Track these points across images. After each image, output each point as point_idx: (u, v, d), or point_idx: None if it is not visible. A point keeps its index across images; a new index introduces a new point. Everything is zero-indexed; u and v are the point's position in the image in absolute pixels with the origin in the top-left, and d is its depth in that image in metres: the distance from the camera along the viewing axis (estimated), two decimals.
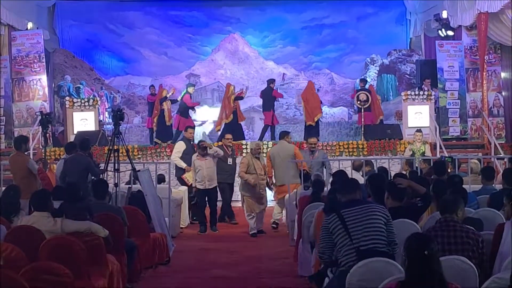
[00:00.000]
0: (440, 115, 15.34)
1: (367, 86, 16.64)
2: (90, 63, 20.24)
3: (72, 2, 19.35)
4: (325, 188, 8.30)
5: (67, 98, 15.95)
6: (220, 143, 12.49)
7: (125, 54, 20.94)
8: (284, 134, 11.53)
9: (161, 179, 10.90)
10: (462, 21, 15.16)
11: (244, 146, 13.99)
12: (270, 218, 11.09)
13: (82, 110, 15.30)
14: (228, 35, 21.35)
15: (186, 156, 11.25)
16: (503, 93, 15.66)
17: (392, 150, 14.16)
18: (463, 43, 15.57)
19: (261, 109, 18.94)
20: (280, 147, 11.11)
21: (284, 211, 10.90)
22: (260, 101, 18.52)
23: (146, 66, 20.96)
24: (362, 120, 15.38)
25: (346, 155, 14.10)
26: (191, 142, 11.76)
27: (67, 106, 15.44)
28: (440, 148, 13.63)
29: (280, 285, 7.19)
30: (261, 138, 15.24)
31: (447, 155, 11.84)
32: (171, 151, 12.80)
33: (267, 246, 9.56)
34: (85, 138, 10.30)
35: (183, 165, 11.30)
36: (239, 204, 11.49)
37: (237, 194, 11.71)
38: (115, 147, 8.81)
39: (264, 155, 11.86)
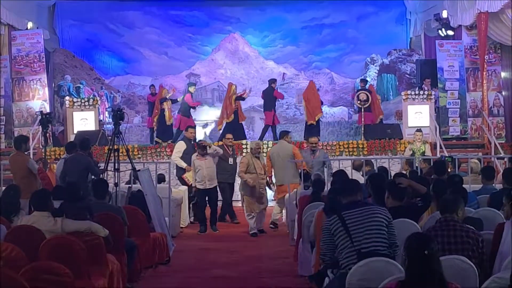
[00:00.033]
0: (440, 114, 15.34)
1: (367, 86, 16.64)
2: (90, 63, 20.23)
3: (72, 2, 19.34)
4: (325, 188, 8.29)
5: (67, 97, 15.96)
6: (220, 142, 12.50)
7: (125, 54, 20.93)
8: (284, 134, 11.53)
9: (161, 178, 10.89)
10: (462, 21, 15.16)
11: (244, 146, 13.98)
12: (271, 218, 11.10)
13: (82, 110, 15.31)
14: (228, 34, 21.35)
15: (186, 156, 11.25)
16: (503, 93, 15.66)
17: (392, 149, 14.15)
18: (463, 43, 15.57)
19: (261, 109, 18.95)
20: (279, 147, 11.12)
21: (284, 211, 10.90)
22: (260, 101, 18.52)
23: (146, 65, 20.96)
24: (362, 120, 15.37)
25: (346, 155, 14.10)
26: (192, 142, 11.75)
27: (67, 105, 15.45)
28: (440, 147, 13.64)
29: (280, 285, 7.19)
30: (261, 138, 15.22)
31: (447, 155, 11.84)
32: (171, 151, 12.80)
33: (267, 246, 9.56)
34: (85, 138, 10.30)
35: (183, 165, 11.30)
36: (239, 204, 11.49)
37: (237, 194, 11.72)
38: (115, 147, 8.80)
39: (264, 154, 11.86)
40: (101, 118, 17.14)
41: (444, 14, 16.13)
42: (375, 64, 20.35)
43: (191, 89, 15.83)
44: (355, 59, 20.86)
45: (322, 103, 15.52)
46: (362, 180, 8.82)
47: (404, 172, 9.69)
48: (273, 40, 21.26)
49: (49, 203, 6.01)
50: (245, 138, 14.75)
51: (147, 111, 17.58)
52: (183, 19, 21.09)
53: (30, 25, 16.03)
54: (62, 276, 4.79)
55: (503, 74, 15.66)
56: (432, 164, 9.18)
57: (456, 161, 9.79)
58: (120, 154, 8.89)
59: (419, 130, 12.97)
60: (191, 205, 11.63)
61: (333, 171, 8.95)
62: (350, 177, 8.33)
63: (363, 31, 20.70)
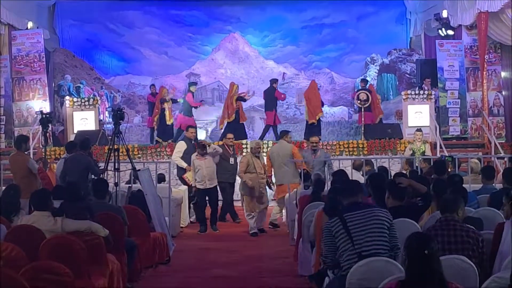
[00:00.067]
0: (440, 114, 15.34)
1: (367, 86, 16.64)
2: (90, 63, 20.23)
3: (72, 2, 19.34)
4: (325, 188, 8.29)
5: (67, 97, 15.96)
6: (221, 142, 12.51)
7: (125, 54, 20.93)
8: (284, 134, 11.54)
9: (161, 178, 10.89)
10: (462, 21, 15.16)
11: (244, 146, 13.98)
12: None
13: (82, 110, 15.32)
14: (228, 34, 21.34)
15: (187, 156, 11.22)
16: (503, 93, 15.66)
17: (392, 149, 14.15)
18: (463, 43, 15.57)
19: (262, 109, 18.94)
20: (279, 147, 11.12)
21: (284, 211, 10.90)
22: (260, 101, 18.54)
23: (146, 65, 20.95)
24: (362, 119, 15.36)
25: (346, 155, 14.10)
26: (192, 142, 11.74)
27: (67, 105, 15.46)
28: (440, 147, 13.63)
29: (280, 285, 7.19)
30: (261, 138, 15.24)
31: (447, 155, 11.85)
32: (171, 151, 12.80)
33: (267, 246, 9.56)
34: (85, 138, 10.30)
35: (184, 165, 11.29)
36: (239, 204, 11.48)
37: (237, 194, 11.71)
38: (115, 147, 8.80)
39: (264, 154, 11.86)
40: (101, 118, 17.15)
41: (444, 14, 16.13)
42: (375, 64, 20.35)
43: (192, 88, 15.82)
44: (355, 59, 20.86)
45: (323, 103, 15.53)
46: (362, 179, 8.82)
47: (404, 171, 9.69)
48: (273, 39, 21.26)
49: (49, 202, 6.01)
50: (246, 138, 14.75)
51: (147, 111, 17.58)
52: (183, 19, 21.08)
53: (30, 25, 16.03)
54: (62, 276, 4.79)
55: (503, 74, 15.66)
56: (432, 163, 9.18)
57: (456, 161, 9.79)
58: (120, 153, 8.89)
59: (419, 129, 12.97)
60: (191, 205, 11.62)
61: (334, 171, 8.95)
62: (350, 177, 8.36)
63: (363, 30, 20.69)
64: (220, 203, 11.33)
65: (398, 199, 5.72)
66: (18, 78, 15.60)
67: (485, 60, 14.97)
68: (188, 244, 9.68)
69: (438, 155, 12.47)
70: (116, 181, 8.62)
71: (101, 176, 8.82)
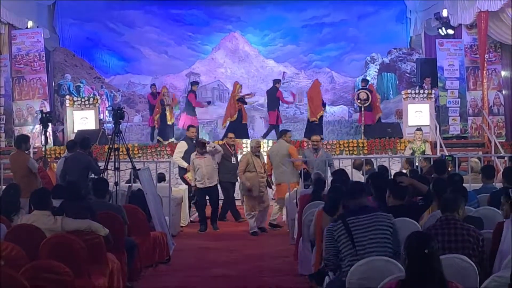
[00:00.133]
0: (440, 113, 15.35)
1: (368, 86, 16.64)
2: (90, 62, 20.22)
3: (72, 1, 19.29)
4: (326, 187, 8.28)
5: (67, 96, 15.97)
6: (221, 142, 12.50)
7: (125, 53, 20.93)
8: (283, 133, 11.54)
9: (161, 178, 10.89)
10: (462, 20, 15.16)
11: (244, 145, 13.97)
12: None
13: (82, 109, 15.33)
14: (228, 33, 21.34)
15: (187, 156, 11.21)
16: (503, 92, 15.66)
17: (392, 148, 14.16)
18: (463, 42, 15.57)
19: (262, 108, 18.98)
20: (278, 146, 11.12)
21: (284, 210, 10.89)
22: (260, 100, 18.55)
23: (146, 64, 20.95)
24: (363, 119, 15.37)
25: (347, 154, 14.11)
26: (193, 141, 11.73)
27: (67, 104, 15.46)
28: (441, 146, 13.64)
29: (280, 284, 7.19)
30: (265, 136, 15.32)
31: (447, 154, 11.84)
32: (172, 150, 12.79)
33: (267, 245, 9.56)
34: (85, 137, 10.30)
35: (184, 164, 11.27)
36: (239, 203, 11.47)
37: (237, 193, 11.71)
38: (115, 146, 8.80)
39: (264, 153, 11.86)
40: (101, 117, 17.15)
41: (444, 13, 16.13)
42: (375, 63, 20.35)
43: (194, 87, 15.80)
44: (355, 58, 20.85)
45: (324, 103, 15.54)
46: (362, 179, 8.83)
47: (404, 171, 9.69)
48: (273, 39, 21.26)
49: (49, 202, 6.01)
50: (248, 138, 14.75)
51: (147, 110, 17.58)
52: (183, 18, 21.08)
53: (30, 24, 16.03)
54: (62, 275, 4.79)
55: (503, 73, 15.65)
56: (432, 163, 9.18)
57: (456, 160, 9.78)
58: (120, 153, 8.89)
59: (419, 129, 12.97)
60: (193, 205, 11.62)
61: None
62: (351, 176, 8.36)
63: (364, 30, 20.68)
64: (220, 202, 11.32)
65: (399, 198, 5.72)
66: (18, 77, 15.60)
67: (485, 59, 14.97)
68: (188, 243, 9.67)
69: (438, 154, 12.46)
70: (116, 180, 8.62)
71: (101, 175, 8.82)
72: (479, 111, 15.43)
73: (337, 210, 5.88)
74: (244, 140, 14.22)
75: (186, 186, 11.38)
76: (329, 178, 9.25)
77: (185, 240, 9.99)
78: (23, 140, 9.75)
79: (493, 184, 7.75)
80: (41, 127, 11.71)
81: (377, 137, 14.52)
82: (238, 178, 11.22)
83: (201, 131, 17.14)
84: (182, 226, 10.97)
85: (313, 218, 6.48)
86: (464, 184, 6.86)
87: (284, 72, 20.90)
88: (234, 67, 21.26)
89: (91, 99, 15.53)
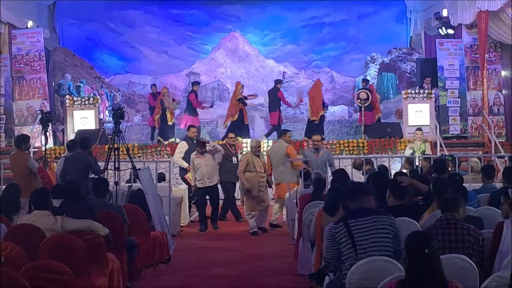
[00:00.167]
0: (440, 113, 15.34)
1: (368, 86, 16.64)
2: (90, 62, 20.22)
3: (72, 1, 19.27)
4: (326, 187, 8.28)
5: (67, 96, 15.96)
6: (221, 142, 12.50)
7: (125, 53, 20.92)
8: (282, 133, 11.54)
9: (161, 177, 10.89)
10: (463, 20, 15.16)
11: (244, 145, 13.97)
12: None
13: (82, 109, 15.32)
14: (228, 33, 21.33)
15: (188, 156, 11.20)
16: (503, 92, 15.66)
17: (393, 148, 14.16)
18: (463, 42, 15.57)
19: (262, 108, 18.98)
20: (277, 146, 11.11)
21: (284, 210, 10.89)
22: (260, 100, 18.54)
23: (146, 64, 20.94)
24: (363, 118, 15.37)
25: (347, 154, 14.10)
26: (194, 142, 11.72)
27: (67, 104, 15.45)
28: (441, 146, 13.64)
29: (280, 284, 7.19)
30: (267, 136, 15.34)
31: (447, 154, 11.84)
32: (172, 150, 12.78)
33: (267, 245, 9.56)
34: (85, 137, 10.30)
35: (185, 165, 11.26)
36: (240, 203, 11.47)
37: (237, 193, 11.70)
38: (116, 146, 8.81)
39: (265, 153, 11.86)
40: (101, 117, 17.14)
41: (444, 12, 16.12)
42: (375, 63, 20.34)
43: (195, 88, 15.78)
44: (355, 58, 20.84)
45: (326, 104, 15.56)
46: (362, 179, 8.83)
47: (405, 171, 9.69)
48: (273, 38, 21.24)
49: (49, 201, 6.01)
50: (249, 137, 14.74)
51: (147, 110, 17.58)
52: (183, 18, 21.07)
53: (30, 24, 16.03)
54: (62, 275, 4.79)
55: (503, 73, 15.65)
56: (432, 162, 9.18)
57: (457, 160, 9.78)
58: (120, 153, 8.89)
59: (419, 129, 12.97)
60: (193, 204, 11.61)
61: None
62: (351, 176, 8.36)
63: (364, 29, 20.67)
64: (220, 202, 11.32)
65: (399, 198, 5.72)
66: (18, 77, 15.60)
67: (485, 59, 14.97)
68: (188, 243, 9.68)
69: (438, 154, 12.46)
70: (116, 180, 8.62)
71: (101, 175, 8.82)
72: (479, 111, 15.43)
73: (337, 210, 5.88)
74: (244, 140, 14.22)
75: (186, 186, 11.38)
76: (330, 178, 9.26)
77: (185, 240, 9.99)
78: (23, 140, 9.75)
79: (493, 184, 7.76)
80: (41, 127, 11.71)
81: (377, 137, 14.52)
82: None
83: (201, 131, 17.14)
84: (182, 226, 10.97)
85: (313, 218, 6.48)
86: (464, 184, 6.86)
87: (284, 72, 20.89)
88: (234, 67, 21.25)
89: (91, 99, 15.52)
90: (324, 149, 12.30)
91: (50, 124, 12.50)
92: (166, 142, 14.74)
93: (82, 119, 15.21)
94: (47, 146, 12.12)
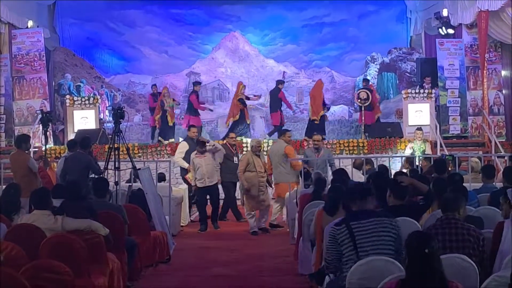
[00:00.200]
0: (440, 113, 15.34)
1: (368, 86, 16.64)
2: (90, 62, 20.22)
3: (72, 1, 19.30)
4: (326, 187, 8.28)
5: (68, 96, 15.97)
6: (221, 141, 12.50)
7: (125, 53, 20.92)
8: (282, 133, 11.54)
9: (161, 177, 10.89)
10: (463, 19, 15.16)
11: (244, 145, 13.97)
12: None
13: (82, 109, 15.33)
14: (228, 33, 21.33)
15: (188, 156, 11.19)
16: (503, 91, 15.66)
17: (393, 148, 14.16)
18: (463, 41, 15.56)
19: (262, 108, 18.97)
20: (277, 146, 11.10)
21: (284, 210, 10.89)
22: (260, 99, 18.53)
23: (146, 64, 20.94)
24: (363, 118, 15.37)
25: (347, 154, 14.10)
26: (195, 141, 11.71)
27: (67, 104, 15.46)
28: (441, 146, 13.63)
29: (280, 284, 7.20)
30: (270, 135, 15.36)
31: (447, 153, 11.84)
32: (172, 149, 12.77)
33: (267, 244, 9.56)
34: (85, 136, 10.30)
35: (185, 165, 11.26)
36: (240, 203, 11.47)
37: (238, 193, 11.70)
38: (116, 145, 8.81)
39: (265, 153, 11.86)
40: (102, 117, 17.15)
41: (445, 12, 16.11)
42: (375, 63, 20.34)
43: (196, 88, 15.77)
44: (355, 58, 20.84)
45: (327, 106, 15.58)
46: (362, 178, 8.83)
47: (405, 170, 9.69)
48: (274, 38, 21.25)
49: (49, 201, 6.02)
50: (250, 137, 14.74)
51: (148, 110, 17.57)
52: (184, 18, 21.07)
53: (30, 23, 16.03)
54: (62, 275, 4.79)
55: (503, 73, 15.65)
56: (432, 162, 9.18)
57: (457, 160, 9.78)
58: (120, 152, 8.90)
59: (419, 128, 12.98)
60: (193, 204, 11.61)
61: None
62: (351, 176, 8.36)
63: (364, 29, 20.67)
64: (221, 202, 11.31)
65: (399, 198, 5.71)
66: (19, 77, 15.60)
67: (486, 59, 14.97)
68: (189, 243, 9.67)
69: (439, 154, 12.46)
70: (117, 180, 8.62)
71: (101, 175, 8.82)
72: (479, 111, 15.43)
73: (337, 210, 5.88)
74: (244, 140, 14.22)
75: (186, 186, 11.37)
76: (330, 178, 9.25)
77: (185, 239, 9.99)
78: (23, 140, 9.75)
79: (494, 183, 7.76)
80: (41, 126, 11.71)
81: (377, 136, 14.52)
82: None
83: (202, 131, 17.15)
84: (182, 226, 10.97)
85: (313, 218, 6.48)
86: (464, 184, 6.86)
87: (284, 72, 20.89)
88: (234, 66, 21.25)
89: (91, 99, 15.53)
90: (328, 150, 12.30)
91: (50, 124, 12.50)
92: (166, 142, 14.74)
93: (82, 119, 15.21)
94: (47, 146, 12.11)
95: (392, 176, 7.58)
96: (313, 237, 6.41)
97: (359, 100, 15.61)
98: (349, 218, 4.75)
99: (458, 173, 7.76)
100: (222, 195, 11.38)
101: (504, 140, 15.05)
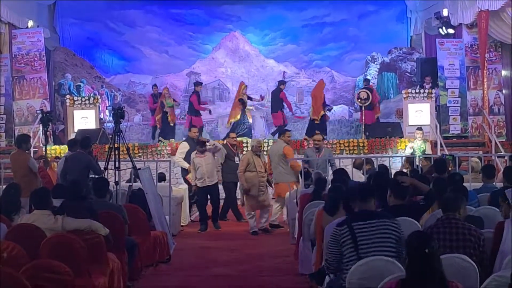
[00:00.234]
0: (440, 113, 15.34)
1: (368, 86, 16.64)
2: (90, 61, 20.22)
3: (72, 1, 19.30)
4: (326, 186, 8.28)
5: (68, 96, 15.97)
6: (221, 141, 12.49)
7: (125, 53, 20.92)
8: (282, 133, 11.54)
9: (161, 177, 10.89)
10: (463, 19, 15.16)
11: (244, 144, 13.97)
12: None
13: (82, 108, 15.34)
14: (228, 33, 21.33)
15: (189, 156, 11.18)
16: (503, 91, 15.66)
17: (393, 148, 14.16)
18: (463, 41, 15.56)
19: (262, 108, 18.97)
20: (277, 146, 11.11)
21: (284, 209, 10.89)
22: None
23: (146, 64, 20.94)
24: (363, 118, 15.37)
25: (347, 153, 14.10)
26: (195, 142, 11.69)
27: (67, 104, 15.47)
28: (441, 146, 13.63)
29: (280, 283, 7.20)
30: (273, 134, 15.38)
31: (447, 153, 11.84)
32: (172, 149, 12.76)
33: (267, 244, 9.56)
34: (85, 136, 10.30)
35: (186, 165, 11.26)
36: (239, 203, 11.47)
37: (238, 193, 11.70)
38: (116, 145, 8.81)
39: (265, 153, 11.86)
40: (102, 117, 17.15)
41: (445, 12, 16.11)
42: (375, 63, 20.33)
43: (198, 88, 15.76)
44: (355, 58, 20.83)
45: (329, 107, 15.57)
46: (362, 178, 8.83)
47: (405, 170, 9.68)
48: (274, 38, 21.24)
49: (49, 201, 6.02)
50: (251, 137, 14.74)
51: (148, 110, 17.56)
52: (184, 18, 21.07)
53: (30, 23, 16.03)
54: (62, 274, 4.80)
55: (503, 73, 15.65)
56: (432, 162, 9.18)
57: (457, 160, 9.78)
58: (120, 152, 8.89)
59: (419, 128, 12.98)
60: (193, 204, 11.60)
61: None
62: (351, 176, 8.36)
63: (364, 29, 20.67)
64: (221, 202, 11.31)
65: (400, 198, 5.71)
66: (19, 77, 15.60)
67: (486, 58, 14.97)
68: (189, 242, 9.68)
69: (439, 153, 12.46)
70: (117, 179, 8.63)
71: (101, 175, 8.82)
72: (480, 111, 15.43)
73: (337, 210, 5.88)
74: (245, 140, 14.22)
75: (187, 186, 11.37)
76: (331, 177, 9.25)
77: (186, 239, 9.99)
78: (24, 140, 9.75)
79: (494, 183, 7.76)
80: (42, 126, 11.71)
81: (377, 136, 14.53)
82: None
83: (202, 131, 17.14)
84: (182, 226, 10.97)
85: (314, 218, 6.48)
86: (464, 184, 6.86)
87: (284, 72, 20.89)
88: (234, 66, 21.25)
89: (92, 99, 15.53)
90: (329, 149, 12.29)
91: (50, 124, 12.50)
92: (166, 142, 14.74)
93: (83, 119, 15.21)
94: (47, 146, 12.11)
95: (392, 176, 7.58)
96: (313, 237, 6.42)
97: (359, 100, 15.61)
98: (351, 218, 4.75)
99: (458, 173, 7.76)
100: (222, 194, 11.37)
101: (504, 140, 15.05)
